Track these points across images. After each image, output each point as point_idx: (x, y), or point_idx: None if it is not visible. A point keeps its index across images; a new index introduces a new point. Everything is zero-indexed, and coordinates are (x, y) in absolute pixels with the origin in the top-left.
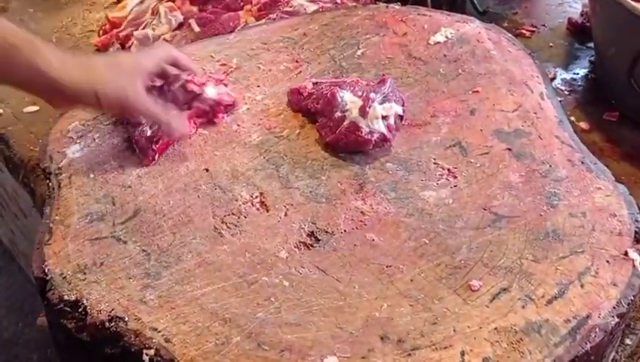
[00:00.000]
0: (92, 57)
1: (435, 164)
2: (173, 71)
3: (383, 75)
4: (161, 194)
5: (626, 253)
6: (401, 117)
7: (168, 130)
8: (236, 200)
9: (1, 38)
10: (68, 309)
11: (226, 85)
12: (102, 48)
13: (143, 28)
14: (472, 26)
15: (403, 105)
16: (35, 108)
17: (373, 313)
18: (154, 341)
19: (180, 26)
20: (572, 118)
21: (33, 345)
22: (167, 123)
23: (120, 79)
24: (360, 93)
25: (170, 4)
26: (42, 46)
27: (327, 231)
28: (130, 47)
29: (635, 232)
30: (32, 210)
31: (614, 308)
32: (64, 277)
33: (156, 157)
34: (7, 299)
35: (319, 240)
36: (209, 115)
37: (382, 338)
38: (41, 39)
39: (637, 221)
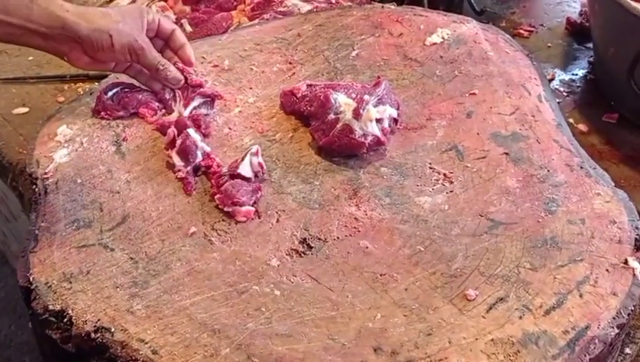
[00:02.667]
0: (101, 7)
1: (430, 168)
2: (165, 26)
3: (378, 76)
4: (150, 200)
5: (626, 262)
6: (395, 120)
7: (165, 77)
8: None
9: None
10: (53, 319)
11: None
12: None
13: None
14: (469, 27)
15: (398, 108)
16: (24, 110)
17: (367, 323)
18: (141, 352)
19: None
20: (571, 120)
21: (26, 347)
22: (165, 70)
23: (130, 23)
24: (354, 95)
25: (162, 3)
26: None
27: (319, 238)
28: None
29: (636, 240)
30: (21, 213)
31: (614, 318)
32: (49, 286)
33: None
34: (0, 301)
35: (312, 247)
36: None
37: (375, 350)
38: None
39: (637, 228)
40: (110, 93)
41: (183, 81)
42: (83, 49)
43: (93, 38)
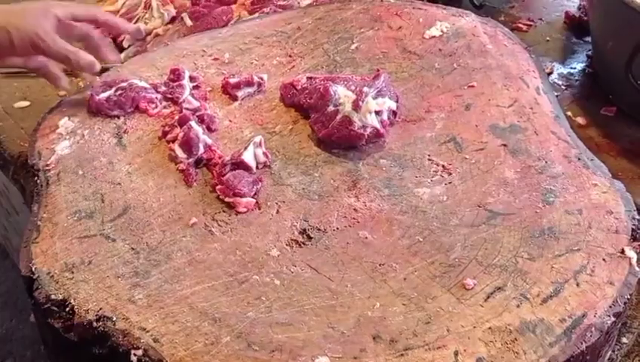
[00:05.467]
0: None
1: (429, 160)
2: (86, 25)
3: (377, 69)
4: (151, 191)
5: (622, 251)
6: (394, 112)
7: (78, 64)
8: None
9: None
10: (55, 309)
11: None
12: None
13: (136, 22)
14: (468, 20)
15: (397, 101)
16: (25, 103)
17: (366, 312)
18: (142, 341)
19: (173, 19)
20: (569, 113)
21: (27, 341)
22: (76, 57)
23: (29, 19)
24: (353, 88)
25: None
26: None
27: (319, 229)
28: (122, 41)
29: (632, 230)
30: (23, 207)
31: (610, 307)
32: (51, 276)
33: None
34: (1, 295)
35: (311, 238)
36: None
37: (374, 338)
38: None
39: (634, 218)
40: (104, 95)
41: (97, 65)
42: None
43: None
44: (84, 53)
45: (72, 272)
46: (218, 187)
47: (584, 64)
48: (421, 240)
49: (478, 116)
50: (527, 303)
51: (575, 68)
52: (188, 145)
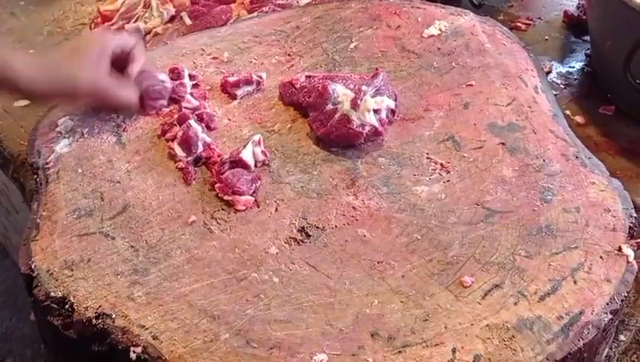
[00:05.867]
0: (53, 52)
1: (427, 158)
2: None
3: (376, 68)
4: (150, 190)
5: (619, 249)
6: (393, 111)
7: (129, 110)
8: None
9: None
10: (55, 306)
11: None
12: None
13: (135, 21)
14: (467, 19)
15: (395, 99)
16: (25, 102)
17: (364, 309)
18: (141, 338)
19: (172, 18)
20: (567, 112)
21: (27, 340)
22: (130, 104)
23: (86, 68)
24: (352, 86)
25: None
26: (7, 56)
27: (317, 227)
28: None
29: (629, 228)
30: (23, 206)
31: (608, 304)
32: (51, 274)
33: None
34: (1, 294)
35: (310, 235)
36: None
37: (372, 335)
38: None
39: (631, 216)
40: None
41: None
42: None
43: (54, 98)
44: (134, 98)
45: (72, 270)
46: (217, 185)
47: (583, 63)
48: (419, 237)
49: (477, 115)
50: (525, 300)
51: (574, 67)
52: (187, 143)
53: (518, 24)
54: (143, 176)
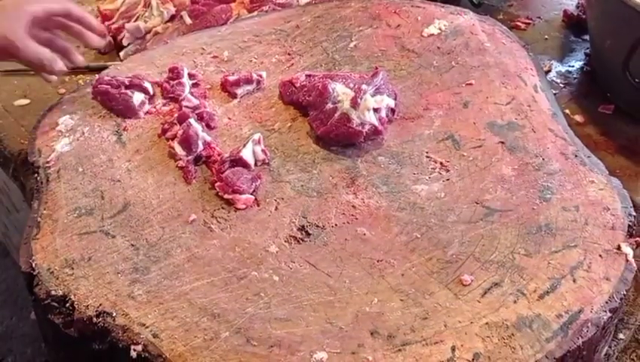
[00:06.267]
0: None
1: (427, 157)
2: (56, 8)
3: (376, 67)
4: (150, 188)
5: (618, 247)
6: (393, 110)
7: (52, 70)
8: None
9: None
10: (55, 304)
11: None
12: None
13: (135, 20)
14: (466, 18)
15: (395, 98)
16: (25, 101)
17: (364, 308)
18: (142, 336)
19: (172, 18)
20: (567, 111)
21: (27, 339)
22: (50, 65)
23: (1, 21)
24: (352, 85)
25: None
26: None
27: (317, 226)
28: (121, 39)
29: (629, 226)
30: (24, 204)
31: (607, 302)
32: (51, 272)
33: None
34: (2, 293)
35: (310, 234)
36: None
37: (372, 334)
38: None
39: (630, 215)
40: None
41: (64, 68)
42: None
43: None
44: (60, 61)
45: (72, 268)
46: (217, 184)
47: (582, 62)
48: (419, 236)
49: (476, 114)
50: (524, 299)
51: (573, 66)
52: (187, 142)
53: (518, 23)
54: (144, 174)
